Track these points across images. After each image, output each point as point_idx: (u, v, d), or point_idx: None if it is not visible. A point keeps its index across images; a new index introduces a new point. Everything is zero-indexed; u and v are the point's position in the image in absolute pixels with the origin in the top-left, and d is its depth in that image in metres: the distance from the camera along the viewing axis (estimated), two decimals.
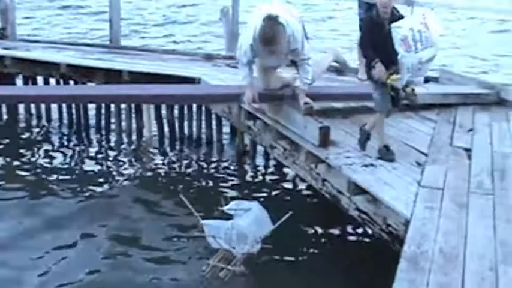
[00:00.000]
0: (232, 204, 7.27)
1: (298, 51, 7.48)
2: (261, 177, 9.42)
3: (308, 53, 7.62)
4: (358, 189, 6.34)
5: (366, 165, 6.63)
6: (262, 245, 6.87)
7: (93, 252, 7.14)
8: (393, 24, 6.29)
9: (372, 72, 6.60)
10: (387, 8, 6.44)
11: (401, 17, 6.52)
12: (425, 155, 6.89)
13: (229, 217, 7.16)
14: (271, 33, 7.01)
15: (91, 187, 8.82)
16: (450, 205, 5.79)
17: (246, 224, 6.89)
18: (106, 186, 8.98)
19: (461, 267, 4.75)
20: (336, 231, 7.70)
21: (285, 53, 7.47)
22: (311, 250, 7.28)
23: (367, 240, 7.38)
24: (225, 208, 7.24)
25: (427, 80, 8.05)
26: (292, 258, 7.05)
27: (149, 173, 9.55)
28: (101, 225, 7.68)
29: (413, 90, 6.63)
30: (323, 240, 7.54)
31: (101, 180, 9.19)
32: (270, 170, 9.58)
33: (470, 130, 7.92)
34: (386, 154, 6.80)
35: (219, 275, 6.53)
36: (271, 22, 7.02)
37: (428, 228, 5.34)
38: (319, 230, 7.70)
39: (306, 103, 7.45)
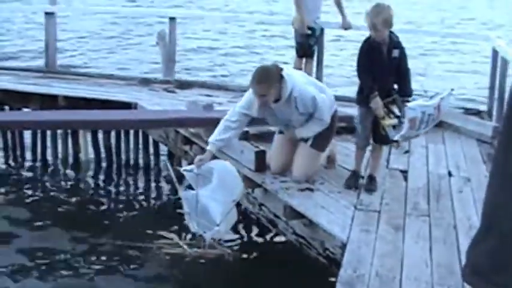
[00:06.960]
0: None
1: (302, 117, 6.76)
2: None
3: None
4: (294, 214, 6.30)
5: (302, 190, 6.60)
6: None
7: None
8: (409, 104, 6.28)
9: (370, 104, 6.39)
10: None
11: (398, 42, 6.48)
12: (362, 177, 6.88)
13: None
14: (260, 70, 6.56)
15: (27, 212, 8.68)
16: (386, 227, 5.81)
17: (210, 203, 6.20)
18: (44, 210, 8.83)
19: None
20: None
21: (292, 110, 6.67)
22: None
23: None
24: (181, 169, 6.71)
25: None
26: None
27: (87, 196, 9.47)
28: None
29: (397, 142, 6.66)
30: None
31: (37, 204, 9.07)
32: None
33: (407, 152, 7.97)
34: (368, 184, 6.75)
35: None
36: (270, 65, 6.71)
37: (365, 251, 5.34)
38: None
39: None
